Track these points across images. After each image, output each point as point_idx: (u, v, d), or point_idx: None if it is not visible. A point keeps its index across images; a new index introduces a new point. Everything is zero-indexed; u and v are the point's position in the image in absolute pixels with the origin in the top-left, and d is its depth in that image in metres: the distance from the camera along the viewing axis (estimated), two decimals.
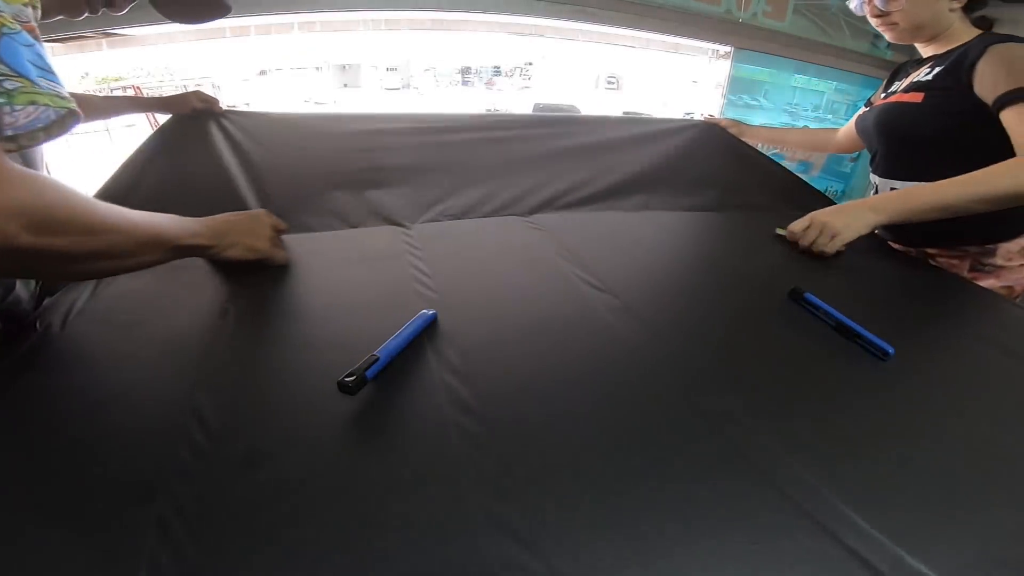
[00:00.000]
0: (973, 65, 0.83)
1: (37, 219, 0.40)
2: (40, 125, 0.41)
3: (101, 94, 1.08)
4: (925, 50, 0.97)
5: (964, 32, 0.90)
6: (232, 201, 0.88)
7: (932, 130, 0.89)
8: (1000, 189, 0.75)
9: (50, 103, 0.42)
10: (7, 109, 0.39)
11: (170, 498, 0.36)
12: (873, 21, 0.97)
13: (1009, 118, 0.79)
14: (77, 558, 0.33)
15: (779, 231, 0.89)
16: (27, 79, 0.40)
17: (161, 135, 0.98)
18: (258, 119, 1.08)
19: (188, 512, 0.35)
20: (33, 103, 0.41)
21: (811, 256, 0.82)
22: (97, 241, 0.47)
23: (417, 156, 1.05)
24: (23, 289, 0.63)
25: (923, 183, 0.83)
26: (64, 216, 0.43)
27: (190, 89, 1.13)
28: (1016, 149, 0.77)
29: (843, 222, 0.81)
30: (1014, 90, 0.78)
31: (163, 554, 0.33)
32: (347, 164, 0.98)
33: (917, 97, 0.92)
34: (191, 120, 1.00)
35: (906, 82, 0.98)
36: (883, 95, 1.08)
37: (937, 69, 0.90)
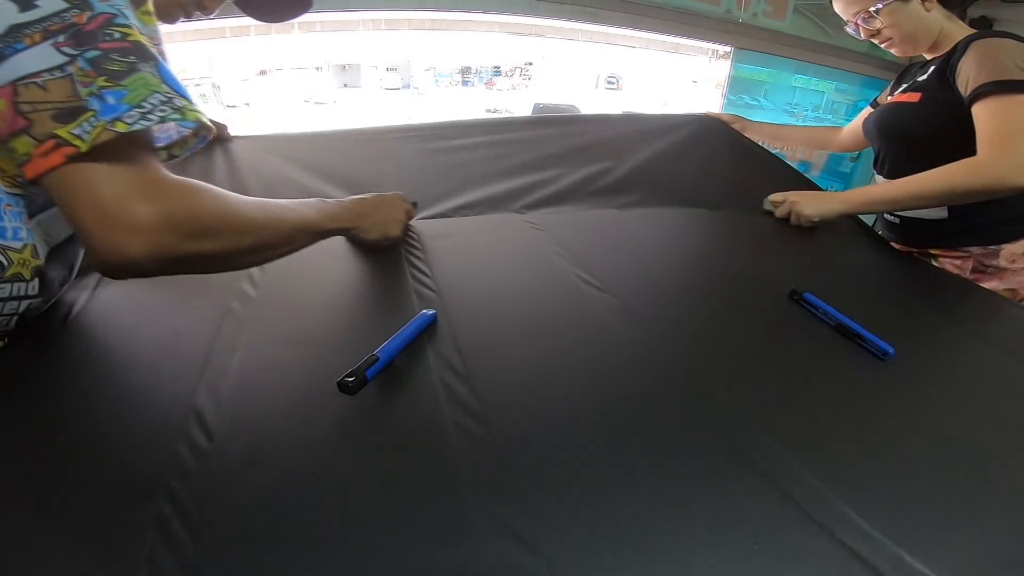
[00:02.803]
0: (957, 63, 0.84)
1: (193, 227, 0.43)
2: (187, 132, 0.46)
3: None
4: (929, 55, 0.98)
5: (959, 33, 0.91)
6: None
7: (929, 129, 0.90)
8: (953, 186, 0.79)
9: (199, 116, 0.45)
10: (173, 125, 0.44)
11: (170, 498, 0.36)
12: (875, 41, 0.99)
13: (978, 112, 0.80)
14: (77, 558, 0.33)
15: (767, 207, 1.00)
16: (187, 98, 0.44)
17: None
18: (261, 141, 1.09)
19: (188, 512, 0.35)
20: (198, 120, 0.44)
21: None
22: (250, 239, 0.49)
23: (418, 160, 1.05)
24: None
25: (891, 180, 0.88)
26: (217, 221, 0.46)
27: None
28: (978, 144, 0.78)
29: (810, 203, 0.92)
30: (985, 84, 0.78)
31: (163, 554, 0.33)
32: (349, 171, 0.99)
33: (915, 97, 0.94)
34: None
35: (909, 84, 1.00)
36: (889, 96, 1.08)
37: (931, 69, 0.92)
